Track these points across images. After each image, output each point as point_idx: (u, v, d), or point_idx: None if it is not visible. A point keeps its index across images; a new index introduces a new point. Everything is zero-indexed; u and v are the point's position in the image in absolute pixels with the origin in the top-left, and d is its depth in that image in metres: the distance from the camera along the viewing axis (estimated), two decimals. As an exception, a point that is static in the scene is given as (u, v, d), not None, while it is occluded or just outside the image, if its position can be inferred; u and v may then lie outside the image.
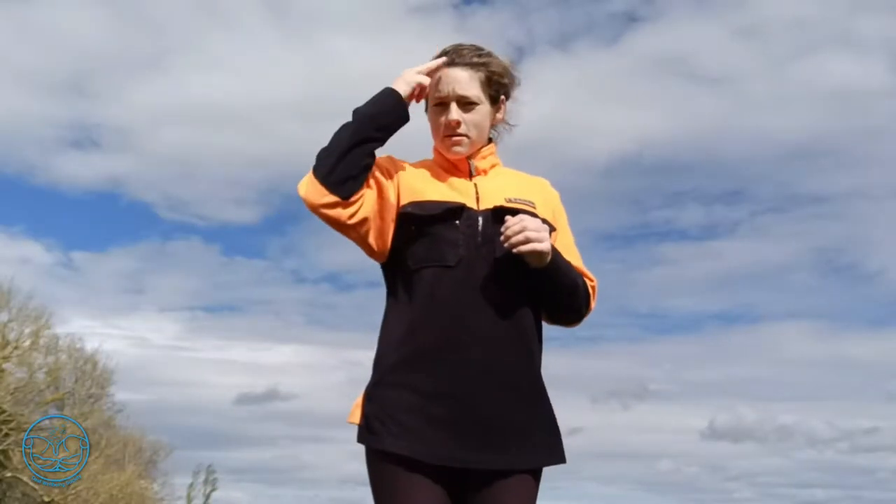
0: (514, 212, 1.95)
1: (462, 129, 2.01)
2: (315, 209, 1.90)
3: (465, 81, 2.01)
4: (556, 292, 1.98)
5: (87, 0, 44.57)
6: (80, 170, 47.26)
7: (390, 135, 1.97)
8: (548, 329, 2.07)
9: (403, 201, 1.99)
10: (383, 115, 1.95)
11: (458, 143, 2.03)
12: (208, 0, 44.30)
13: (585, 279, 2.07)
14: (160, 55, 47.27)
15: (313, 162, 1.92)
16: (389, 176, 2.02)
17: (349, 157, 1.89)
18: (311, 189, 1.90)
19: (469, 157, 2.06)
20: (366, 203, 1.94)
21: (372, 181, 1.97)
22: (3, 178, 41.21)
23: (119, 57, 45.37)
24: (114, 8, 43.71)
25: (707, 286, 48.50)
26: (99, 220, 47.30)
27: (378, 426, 1.88)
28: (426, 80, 2.00)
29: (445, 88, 2.01)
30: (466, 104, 2.01)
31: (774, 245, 46.25)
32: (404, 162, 2.10)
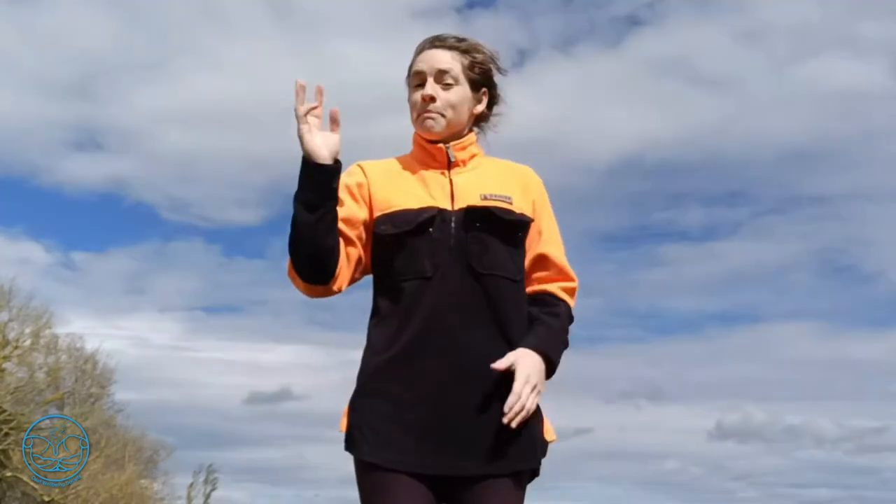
0: (486, 211, 1.93)
1: (437, 106, 1.95)
2: (306, 295, 1.94)
3: (445, 60, 1.96)
4: None
5: (91, 3, 44.55)
6: (83, 171, 47.25)
7: (332, 197, 1.85)
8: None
9: (376, 214, 1.95)
10: (308, 191, 1.84)
11: (430, 118, 1.96)
12: (212, 3, 44.27)
13: (565, 282, 2.05)
14: (163, 58, 47.28)
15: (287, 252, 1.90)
16: (357, 199, 1.96)
17: (311, 250, 1.86)
18: (296, 283, 1.92)
19: (446, 145, 1.99)
20: (343, 268, 1.92)
21: (347, 232, 1.91)
22: (8, 180, 41.28)
23: (122, 59, 45.34)
24: (117, 11, 43.71)
25: (708, 287, 48.50)
26: (102, 221, 47.27)
27: (358, 436, 1.88)
28: (300, 109, 1.84)
29: (424, 66, 1.97)
30: (444, 83, 1.96)
31: (775, 246, 46.24)
32: (376, 162, 2.04)
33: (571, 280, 2.07)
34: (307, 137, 1.84)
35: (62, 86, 43.93)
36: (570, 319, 2.04)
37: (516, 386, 1.80)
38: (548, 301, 2.02)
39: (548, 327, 1.96)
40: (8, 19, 38.68)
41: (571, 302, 2.06)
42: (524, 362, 1.84)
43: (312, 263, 1.87)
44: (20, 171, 43.06)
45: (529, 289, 2.03)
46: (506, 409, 1.79)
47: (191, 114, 46.73)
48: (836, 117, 43.70)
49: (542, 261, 2.04)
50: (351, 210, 1.94)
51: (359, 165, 2.04)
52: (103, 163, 45.23)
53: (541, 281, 2.04)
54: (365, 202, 1.97)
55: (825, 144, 45.83)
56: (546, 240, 2.04)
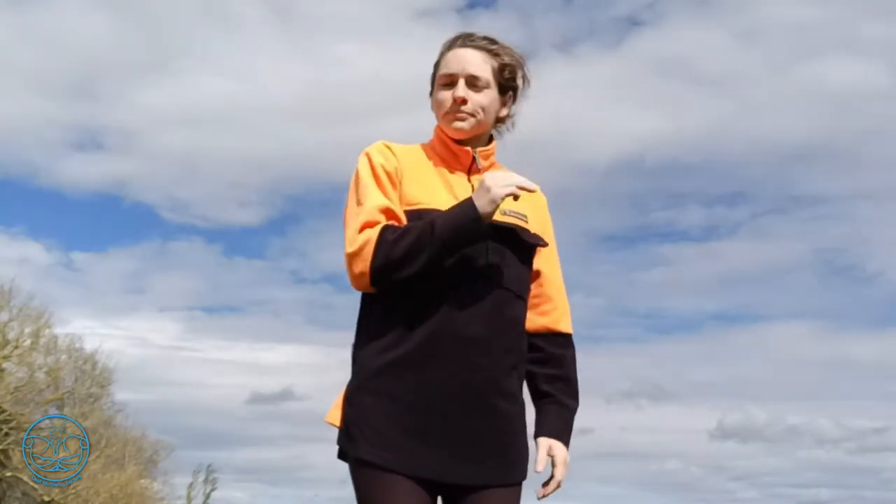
0: (508, 228, 1.92)
1: (468, 108, 1.94)
2: (357, 284, 1.89)
3: (477, 62, 1.95)
4: None
5: (92, 3, 44.59)
6: (83, 171, 47.28)
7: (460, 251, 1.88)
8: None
9: (402, 207, 1.92)
10: (463, 243, 1.84)
11: (461, 119, 1.95)
12: (212, 3, 44.34)
13: (565, 308, 2.08)
14: (164, 58, 47.23)
15: (377, 246, 1.82)
16: (395, 186, 1.93)
17: (407, 275, 1.83)
18: (359, 277, 1.86)
19: (474, 150, 1.99)
20: None
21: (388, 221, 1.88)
22: (8, 180, 41.31)
23: (123, 60, 45.38)
24: (118, 11, 43.77)
25: (708, 287, 48.56)
26: (102, 221, 47.32)
27: (356, 433, 1.86)
28: (518, 192, 1.83)
29: (455, 67, 1.95)
30: (475, 84, 1.95)
31: (775, 246, 46.32)
32: (402, 148, 2.01)
33: (565, 300, 2.10)
34: (498, 207, 1.83)
35: (62, 86, 44.06)
36: (577, 392, 2.07)
37: (558, 477, 1.95)
38: (563, 362, 2.06)
39: (569, 413, 2.04)
40: (8, 19, 38.73)
41: (571, 327, 2.11)
42: (562, 455, 1.96)
43: (395, 279, 1.84)
44: (20, 171, 43.15)
45: (535, 320, 2.04)
46: (546, 491, 1.94)
47: (191, 114, 46.75)
48: (837, 117, 43.72)
49: (537, 276, 2.05)
50: (393, 199, 1.91)
51: (388, 147, 1.99)
52: (103, 163, 45.34)
53: (539, 302, 2.05)
54: (397, 193, 1.94)
55: (825, 144, 45.92)
56: (546, 256, 2.06)
